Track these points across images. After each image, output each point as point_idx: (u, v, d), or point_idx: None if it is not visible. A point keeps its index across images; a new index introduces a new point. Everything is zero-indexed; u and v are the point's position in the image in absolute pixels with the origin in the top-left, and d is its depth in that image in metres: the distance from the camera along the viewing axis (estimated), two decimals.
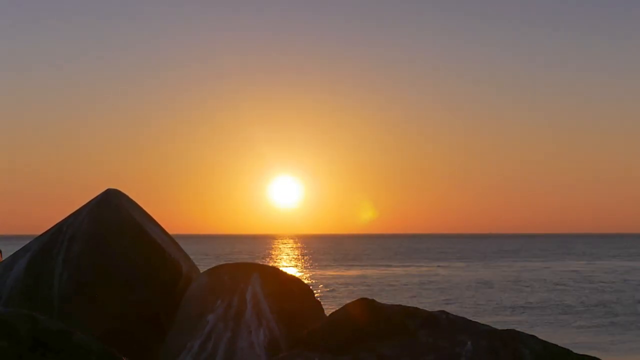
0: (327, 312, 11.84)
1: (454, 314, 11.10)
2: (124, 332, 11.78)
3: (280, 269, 12.35)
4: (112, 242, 12.15)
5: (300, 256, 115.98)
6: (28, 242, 12.86)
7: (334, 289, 56.33)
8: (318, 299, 12.15)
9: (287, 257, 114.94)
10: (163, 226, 12.98)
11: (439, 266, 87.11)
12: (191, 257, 13.20)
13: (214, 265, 12.41)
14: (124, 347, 11.24)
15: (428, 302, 45.09)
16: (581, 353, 10.69)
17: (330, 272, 77.04)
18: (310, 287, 12.18)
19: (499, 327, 11.10)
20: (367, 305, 11.15)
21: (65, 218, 12.66)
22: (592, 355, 10.78)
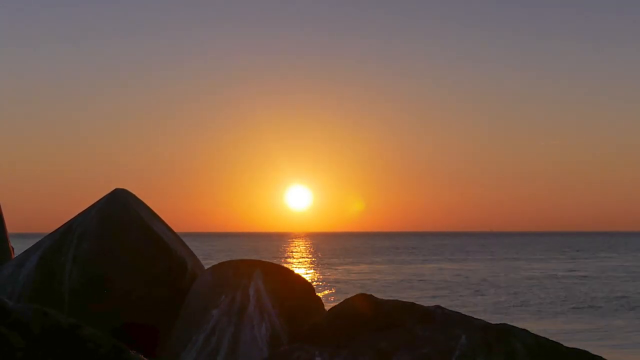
0: (327, 307, 11.83)
1: (449, 309, 11.09)
2: (131, 326, 11.77)
3: (282, 265, 12.33)
4: (120, 240, 12.14)
5: (306, 252, 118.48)
6: (39, 239, 12.85)
7: (333, 284, 56.36)
8: (318, 294, 12.14)
9: (297, 253, 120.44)
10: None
11: (433, 263, 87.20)
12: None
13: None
14: (132, 341, 11.24)
15: (424, 298, 45.12)
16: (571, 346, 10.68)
17: (330, 268, 77.11)
18: (311, 283, 12.17)
19: (492, 321, 11.08)
20: (365, 300, 11.14)
21: (75, 216, 12.65)
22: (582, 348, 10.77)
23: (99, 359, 9.27)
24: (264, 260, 12.28)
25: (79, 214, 12.64)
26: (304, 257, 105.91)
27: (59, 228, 12.64)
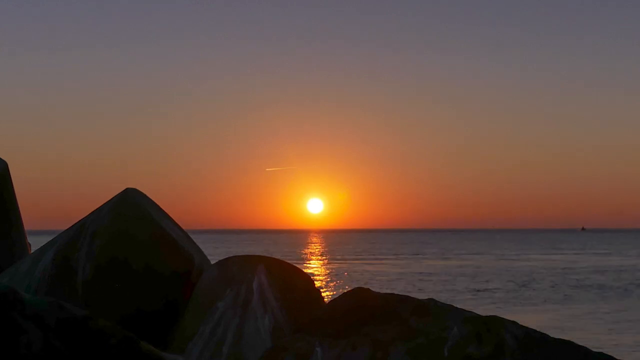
0: (327, 300, 11.83)
1: (442, 301, 11.09)
2: (141, 318, 11.77)
3: (284, 260, 12.32)
4: (131, 237, 12.14)
5: (315, 248, 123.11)
6: (54, 236, 12.85)
7: (334, 278, 56.34)
8: (318, 287, 12.13)
9: (312, 246, 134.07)
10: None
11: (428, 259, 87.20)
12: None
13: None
14: (142, 332, 11.24)
15: (419, 291, 45.10)
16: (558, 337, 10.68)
17: (330, 264, 77.08)
18: (311, 277, 12.16)
19: (483, 313, 11.09)
20: (362, 293, 11.14)
21: (88, 215, 12.64)
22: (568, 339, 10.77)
23: (111, 349, 9.27)
24: (267, 255, 12.28)
25: (92, 212, 12.63)
26: (316, 251, 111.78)
27: (73, 225, 12.64)
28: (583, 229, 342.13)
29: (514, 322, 10.52)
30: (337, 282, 52.83)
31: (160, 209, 12.94)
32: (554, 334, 11.06)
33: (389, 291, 11.87)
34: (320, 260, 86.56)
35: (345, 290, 11.51)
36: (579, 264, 76.59)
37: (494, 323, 10.43)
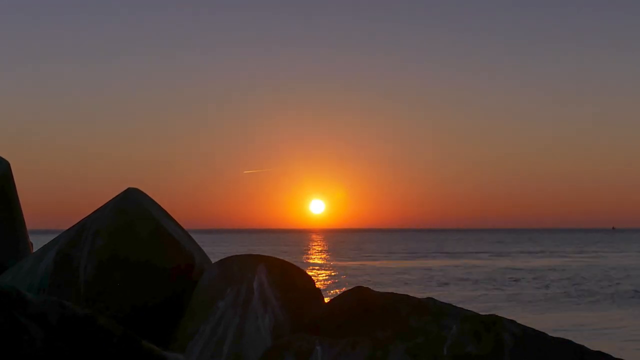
0: (327, 299, 11.84)
1: (441, 300, 11.11)
2: (143, 317, 11.79)
3: (284, 260, 12.34)
4: (132, 236, 12.17)
5: (315, 247, 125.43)
6: (56, 235, 12.87)
7: (333, 278, 56.34)
8: (318, 287, 12.15)
9: (314, 244, 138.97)
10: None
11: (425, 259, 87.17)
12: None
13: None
14: (143, 331, 11.26)
15: (417, 290, 45.10)
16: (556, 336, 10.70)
17: (331, 263, 77.11)
18: (311, 276, 12.18)
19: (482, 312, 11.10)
20: (362, 292, 11.16)
21: (90, 214, 12.67)
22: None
23: (112, 347, 9.30)
24: (268, 255, 12.30)
25: (93, 212, 12.66)
26: (318, 249, 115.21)
27: (74, 225, 12.66)
28: (613, 228, 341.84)
29: (512, 321, 10.55)
30: (337, 281, 52.83)
31: (161, 208, 12.97)
32: None
33: (389, 290, 11.88)
34: (320, 259, 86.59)
35: (345, 290, 11.53)
36: None
37: (493, 322, 10.46)
